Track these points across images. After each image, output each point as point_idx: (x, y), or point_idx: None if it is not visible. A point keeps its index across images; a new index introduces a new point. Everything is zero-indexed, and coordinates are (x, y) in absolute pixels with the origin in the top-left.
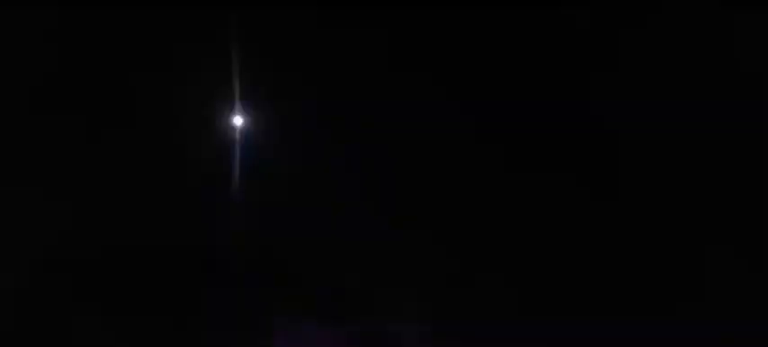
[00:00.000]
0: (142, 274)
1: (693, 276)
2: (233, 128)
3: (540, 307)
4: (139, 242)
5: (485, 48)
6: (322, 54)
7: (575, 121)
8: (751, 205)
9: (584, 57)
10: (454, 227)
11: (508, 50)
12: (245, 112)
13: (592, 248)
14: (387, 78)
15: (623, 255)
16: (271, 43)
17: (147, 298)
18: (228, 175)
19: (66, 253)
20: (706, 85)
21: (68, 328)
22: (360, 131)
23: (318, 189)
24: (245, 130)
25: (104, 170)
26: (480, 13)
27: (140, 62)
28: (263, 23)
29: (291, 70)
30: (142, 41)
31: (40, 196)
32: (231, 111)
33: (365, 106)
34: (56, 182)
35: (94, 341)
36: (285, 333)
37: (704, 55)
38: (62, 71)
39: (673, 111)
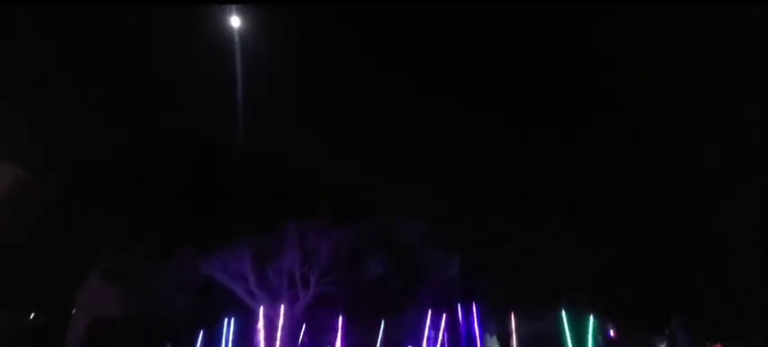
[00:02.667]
0: (153, 170)
1: None
2: (232, 28)
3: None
4: (150, 140)
5: None
6: None
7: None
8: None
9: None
10: (457, 134)
11: None
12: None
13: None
14: None
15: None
16: None
17: (157, 194)
18: (231, 75)
19: (81, 152)
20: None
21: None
22: (361, 35)
23: (319, 92)
24: (245, 32)
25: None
26: None
27: None
28: None
29: None
30: None
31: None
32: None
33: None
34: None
35: (110, 231)
36: (295, 228)
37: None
38: None
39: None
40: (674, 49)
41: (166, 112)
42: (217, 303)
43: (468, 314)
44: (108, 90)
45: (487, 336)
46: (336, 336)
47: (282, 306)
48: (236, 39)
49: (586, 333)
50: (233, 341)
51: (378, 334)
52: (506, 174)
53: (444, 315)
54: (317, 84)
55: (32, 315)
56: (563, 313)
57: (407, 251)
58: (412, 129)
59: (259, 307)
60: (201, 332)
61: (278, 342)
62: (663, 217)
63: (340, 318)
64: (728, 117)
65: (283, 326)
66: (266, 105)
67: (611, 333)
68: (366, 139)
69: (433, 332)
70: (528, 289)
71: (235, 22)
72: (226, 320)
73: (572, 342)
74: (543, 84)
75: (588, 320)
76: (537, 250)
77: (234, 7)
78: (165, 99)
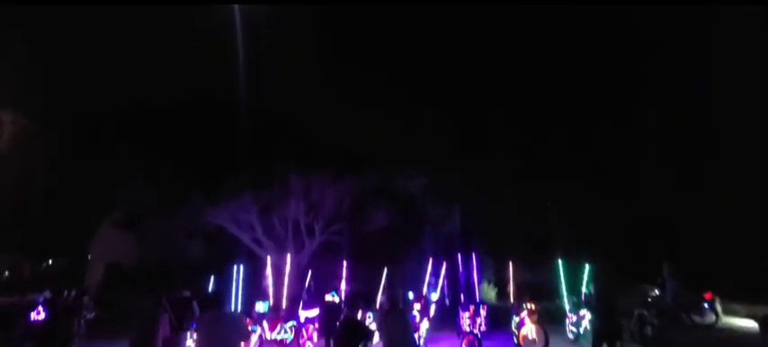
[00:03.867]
0: (160, 123)
1: None
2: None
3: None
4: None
5: None
6: None
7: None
8: None
9: None
10: (457, 89)
11: None
12: None
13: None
14: None
15: None
16: None
17: (166, 146)
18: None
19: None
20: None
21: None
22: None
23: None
24: None
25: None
26: None
27: None
28: None
29: None
30: None
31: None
32: None
33: None
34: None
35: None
36: (300, 179)
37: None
38: None
39: None
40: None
41: (173, 66)
42: (226, 251)
43: (467, 263)
44: (116, 42)
45: (485, 284)
46: (340, 282)
47: (289, 255)
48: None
49: (581, 280)
50: (243, 286)
51: (380, 281)
52: (508, 129)
53: (444, 264)
54: (321, 38)
55: (50, 261)
56: (560, 262)
57: (409, 202)
58: (415, 83)
59: (266, 255)
60: (213, 277)
61: (285, 288)
62: (659, 168)
63: (344, 266)
64: (725, 64)
65: (290, 273)
66: (272, 61)
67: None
68: (369, 94)
69: (433, 279)
70: (526, 241)
71: None
72: (235, 267)
73: (567, 289)
74: (546, 35)
75: (584, 269)
76: (536, 203)
77: None
78: (171, 53)
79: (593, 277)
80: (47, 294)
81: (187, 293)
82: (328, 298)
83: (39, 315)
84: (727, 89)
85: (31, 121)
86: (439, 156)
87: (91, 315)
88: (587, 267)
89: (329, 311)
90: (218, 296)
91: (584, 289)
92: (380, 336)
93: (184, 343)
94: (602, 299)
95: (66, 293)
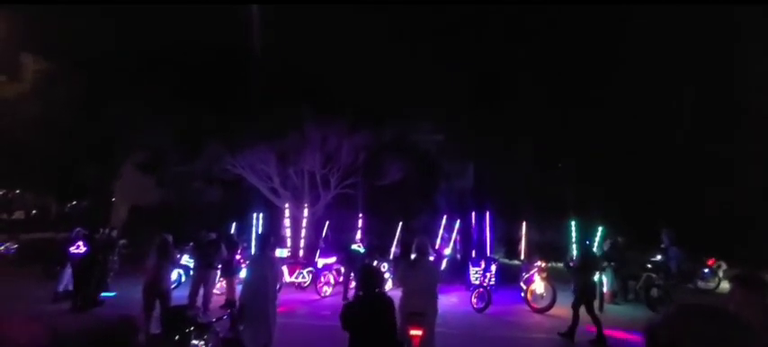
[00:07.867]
0: (179, 70)
1: None
2: None
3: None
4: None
5: None
6: None
7: None
8: None
9: None
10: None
11: None
12: None
13: None
14: None
15: None
16: None
17: (185, 94)
18: None
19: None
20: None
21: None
22: None
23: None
24: None
25: None
26: None
27: None
28: None
29: None
30: None
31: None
32: None
33: None
34: None
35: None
36: (316, 131)
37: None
38: None
39: None
40: None
41: (192, 14)
42: (245, 199)
43: (480, 221)
44: None
45: (498, 242)
46: (356, 234)
47: (306, 206)
48: None
49: (593, 240)
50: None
51: (394, 234)
52: (522, 93)
53: (458, 220)
54: None
55: (74, 201)
56: (572, 223)
57: (425, 157)
58: (432, 38)
59: (284, 205)
60: (234, 223)
61: (303, 238)
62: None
63: (360, 218)
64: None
65: (307, 223)
66: (290, 7)
67: (619, 239)
68: (387, 44)
69: (446, 234)
70: (540, 201)
71: None
72: (254, 215)
73: (578, 250)
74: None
75: (596, 230)
76: (549, 163)
77: None
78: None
79: (580, 240)
80: (83, 230)
81: (213, 235)
82: (354, 247)
83: (78, 249)
84: (744, 55)
85: (53, 63)
86: (455, 113)
87: (124, 245)
88: (600, 229)
89: (353, 259)
90: (268, 237)
91: (595, 247)
92: (404, 283)
93: (213, 280)
94: (587, 261)
95: (101, 230)
